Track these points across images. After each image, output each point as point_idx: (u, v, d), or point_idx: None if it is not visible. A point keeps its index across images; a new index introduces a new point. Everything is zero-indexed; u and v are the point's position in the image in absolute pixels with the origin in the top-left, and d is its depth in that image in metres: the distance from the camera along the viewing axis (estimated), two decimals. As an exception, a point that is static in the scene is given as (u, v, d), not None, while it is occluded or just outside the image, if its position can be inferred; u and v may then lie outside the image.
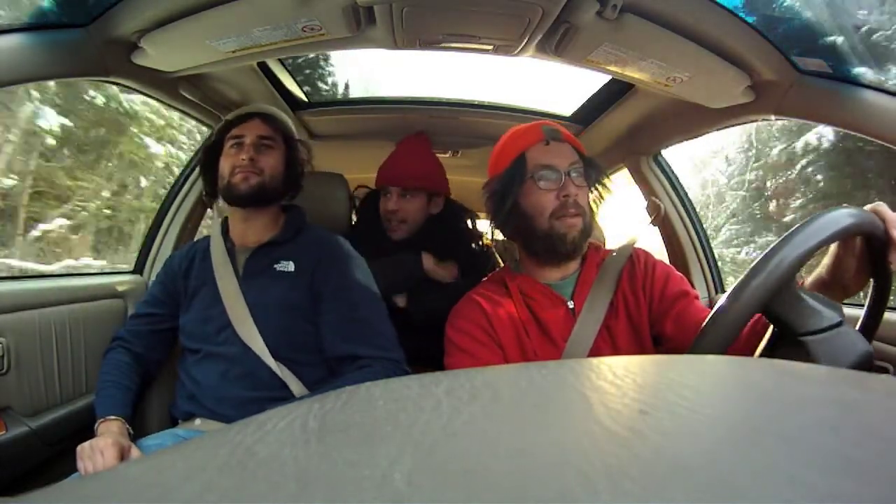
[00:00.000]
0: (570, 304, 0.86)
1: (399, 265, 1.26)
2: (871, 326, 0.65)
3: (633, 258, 0.90)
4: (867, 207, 0.61)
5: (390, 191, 1.29)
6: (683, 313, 0.84)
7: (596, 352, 0.82)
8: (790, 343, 0.57)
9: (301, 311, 1.02)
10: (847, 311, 0.60)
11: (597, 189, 0.90)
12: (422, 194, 1.32)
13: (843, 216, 0.57)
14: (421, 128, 1.57)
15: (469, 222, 1.44)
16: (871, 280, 0.65)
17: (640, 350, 0.85)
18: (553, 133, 0.87)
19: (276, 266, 1.05)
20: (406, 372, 1.05)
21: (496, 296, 0.88)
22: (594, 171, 0.88)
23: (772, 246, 0.55)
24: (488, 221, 0.96)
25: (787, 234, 0.56)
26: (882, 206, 0.61)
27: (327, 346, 1.02)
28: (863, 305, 0.68)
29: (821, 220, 0.56)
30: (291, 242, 1.08)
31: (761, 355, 0.61)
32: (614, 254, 0.91)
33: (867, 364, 0.57)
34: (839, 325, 0.57)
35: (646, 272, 0.88)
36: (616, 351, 0.83)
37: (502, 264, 1.29)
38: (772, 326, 0.60)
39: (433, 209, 1.35)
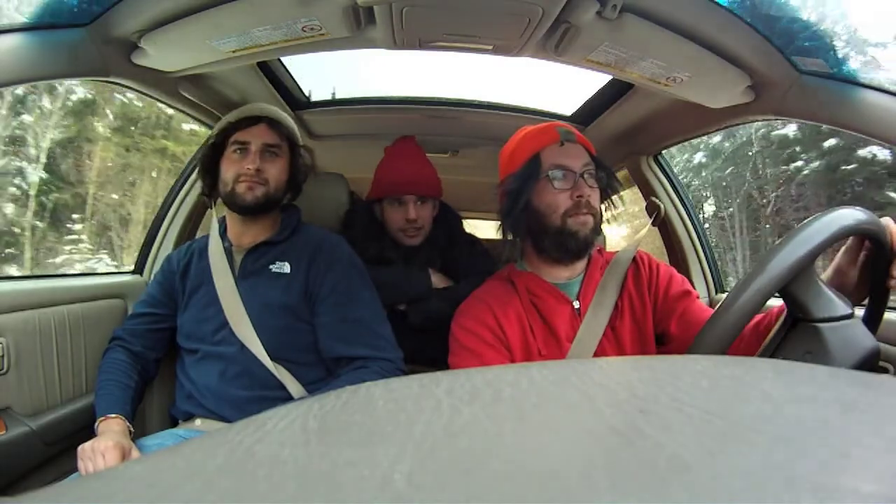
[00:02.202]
0: (576, 305, 0.86)
1: (408, 281, 1.26)
2: (871, 327, 0.66)
3: (637, 260, 0.90)
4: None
5: (406, 199, 1.28)
6: (687, 312, 0.85)
7: (601, 353, 0.83)
8: (804, 328, 0.58)
9: (297, 311, 1.02)
10: None
11: (607, 191, 0.91)
12: (432, 200, 1.33)
13: (859, 214, 0.58)
14: (420, 127, 1.57)
15: (460, 223, 1.45)
16: (871, 286, 0.65)
17: (644, 351, 0.85)
18: (567, 134, 0.88)
19: (271, 267, 1.04)
20: (403, 372, 1.05)
21: (504, 295, 0.88)
22: (604, 173, 0.89)
23: (797, 227, 0.56)
24: (493, 220, 0.96)
25: (808, 219, 0.56)
26: (890, 221, 0.62)
27: (324, 346, 1.02)
28: (863, 306, 0.68)
29: (838, 213, 0.57)
30: (287, 242, 1.07)
31: (774, 338, 0.61)
32: (619, 256, 0.91)
33: (874, 359, 0.57)
34: (850, 317, 0.58)
35: (650, 273, 0.89)
36: (621, 352, 0.84)
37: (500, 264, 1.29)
38: (785, 312, 0.61)
39: (434, 212, 1.36)
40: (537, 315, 0.86)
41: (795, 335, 0.58)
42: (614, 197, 0.93)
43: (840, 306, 0.58)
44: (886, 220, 0.62)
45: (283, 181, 1.06)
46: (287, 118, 1.11)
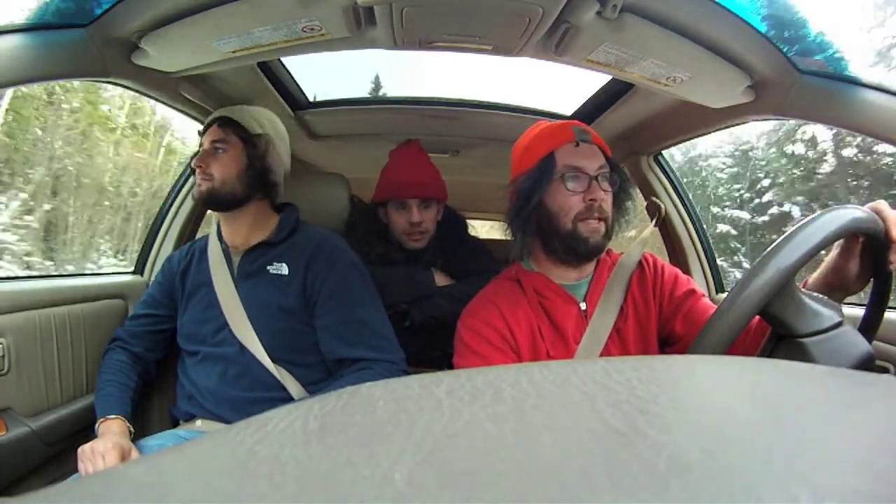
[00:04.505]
0: (583, 306, 0.86)
1: (412, 280, 1.26)
2: (871, 326, 0.65)
3: (643, 262, 0.90)
4: (868, 206, 0.61)
5: (409, 203, 1.29)
6: (692, 311, 0.84)
7: (606, 355, 0.82)
8: (789, 345, 0.57)
9: (296, 313, 1.02)
10: (847, 310, 0.60)
11: (620, 194, 0.89)
12: (436, 203, 1.33)
13: (843, 215, 0.57)
14: (421, 127, 1.57)
15: (464, 225, 1.45)
16: (872, 280, 0.65)
17: (647, 353, 0.85)
18: (583, 134, 0.87)
19: (269, 268, 1.04)
20: (406, 373, 1.04)
21: (512, 295, 0.87)
22: (619, 176, 0.88)
23: (772, 246, 0.55)
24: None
25: (787, 234, 0.55)
26: (882, 205, 0.61)
27: (326, 348, 1.02)
28: (863, 305, 0.68)
29: (821, 220, 0.55)
30: (285, 243, 1.07)
31: (760, 355, 0.60)
32: (624, 258, 0.91)
33: (867, 364, 0.56)
34: (838, 325, 0.57)
35: (655, 276, 0.88)
36: (625, 354, 0.83)
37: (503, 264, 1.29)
38: (771, 328, 0.60)
39: (438, 215, 1.36)
40: (545, 316, 0.85)
41: (780, 353, 0.57)
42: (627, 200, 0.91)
43: (826, 317, 0.57)
44: (876, 206, 0.60)
45: (230, 175, 1.04)
46: (242, 112, 1.10)
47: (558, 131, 0.88)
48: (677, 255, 1.53)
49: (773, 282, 0.53)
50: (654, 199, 1.45)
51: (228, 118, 1.07)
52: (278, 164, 1.11)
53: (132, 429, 0.95)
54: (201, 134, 1.10)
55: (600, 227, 0.84)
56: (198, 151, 1.09)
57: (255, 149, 1.07)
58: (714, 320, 0.55)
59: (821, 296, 0.60)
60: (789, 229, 0.56)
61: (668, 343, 0.87)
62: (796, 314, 0.56)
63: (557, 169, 0.84)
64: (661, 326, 0.87)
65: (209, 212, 1.50)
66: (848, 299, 0.70)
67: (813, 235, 0.54)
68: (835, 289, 0.66)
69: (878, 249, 0.61)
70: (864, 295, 0.70)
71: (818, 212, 0.57)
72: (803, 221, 0.56)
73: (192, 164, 1.06)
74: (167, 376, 1.16)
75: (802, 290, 0.59)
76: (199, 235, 1.52)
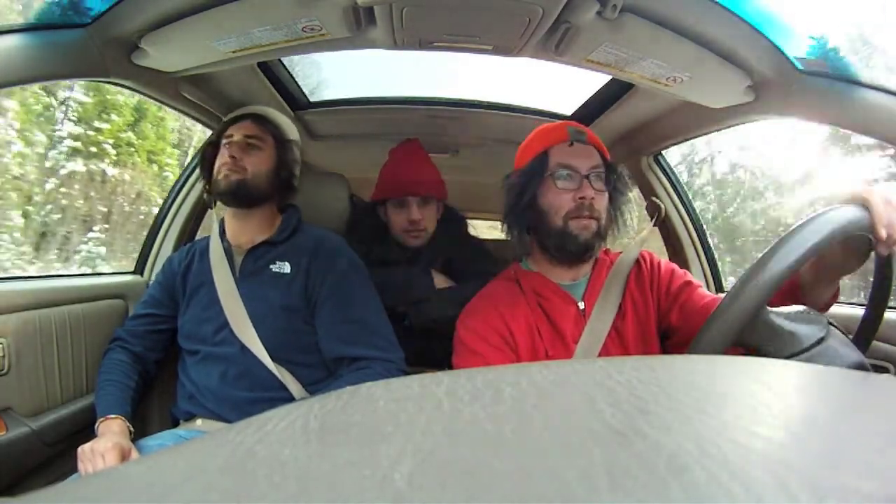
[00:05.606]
0: (581, 306, 0.86)
1: (410, 283, 1.26)
2: (871, 326, 0.65)
3: (640, 260, 0.90)
4: (856, 194, 0.59)
5: (408, 201, 1.29)
6: (688, 302, 0.84)
7: (605, 354, 0.82)
8: None
9: (298, 312, 1.02)
10: (848, 310, 0.60)
11: (615, 195, 0.89)
12: (435, 201, 1.33)
13: (821, 227, 0.54)
14: (421, 127, 1.57)
15: (464, 225, 1.45)
16: (872, 279, 0.64)
17: (647, 352, 0.85)
18: (578, 134, 0.87)
19: (271, 267, 1.05)
20: (405, 373, 1.04)
21: (511, 296, 0.87)
22: (615, 176, 0.88)
23: (748, 269, 0.53)
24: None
25: (764, 254, 0.53)
26: (870, 195, 0.58)
27: (325, 347, 1.02)
28: (864, 305, 0.68)
29: (801, 234, 0.53)
30: (287, 243, 1.07)
31: None
32: (623, 257, 0.91)
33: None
34: (821, 341, 0.55)
35: (652, 272, 0.88)
36: (625, 353, 0.83)
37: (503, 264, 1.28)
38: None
39: (438, 214, 1.36)
40: (544, 316, 0.85)
41: None
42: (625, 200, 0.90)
43: (805, 336, 0.55)
44: (867, 196, 0.58)
45: (262, 172, 1.05)
46: (275, 114, 1.12)
47: (553, 131, 0.88)
48: (677, 254, 1.53)
49: (744, 310, 0.51)
50: (654, 199, 1.45)
51: (264, 117, 1.09)
52: (298, 171, 1.13)
53: (132, 428, 0.95)
54: (226, 125, 1.09)
55: (591, 225, 0.83)
56: (205, 144, 1.10)
57: (286, 153, 1.09)
58: (722, 308, 0.54)
59: (801, 311, 0.57)
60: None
61: (666, 337, 0.87)
62: (772, 340, 0.54)
63: (549, 167, 0.85)
64: (659, 321, 0.87)
65: (209, 212, 1.49)
66: (848, 299, 0.70)
67: (793, 251, 0.52)
68: (832, 268, 0.66)
69: (870, 243, 0.60)
70: (865, 294, 0.69)
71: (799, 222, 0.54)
72: (783, 237, 0.54)
73: (228, 154, 1.03)
74: (167, 376, 1.16)
75: (779, 311, 0.57)
76: (197, 237, 1.52)
